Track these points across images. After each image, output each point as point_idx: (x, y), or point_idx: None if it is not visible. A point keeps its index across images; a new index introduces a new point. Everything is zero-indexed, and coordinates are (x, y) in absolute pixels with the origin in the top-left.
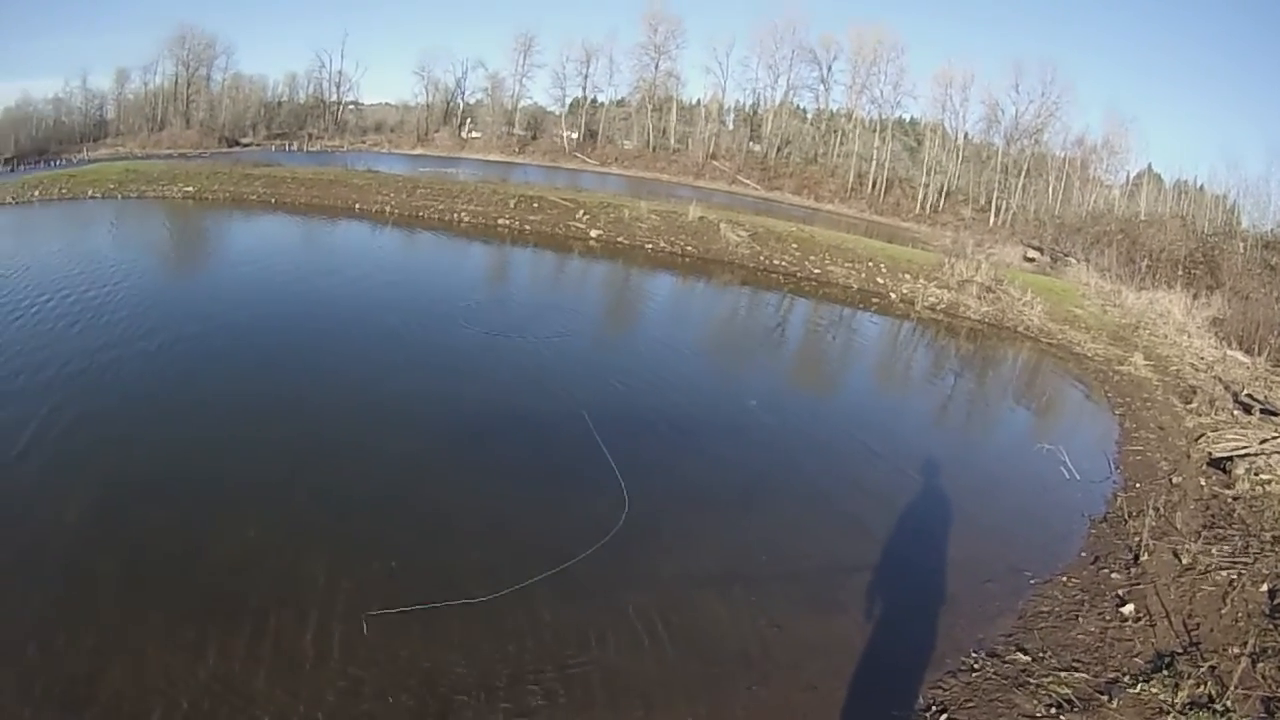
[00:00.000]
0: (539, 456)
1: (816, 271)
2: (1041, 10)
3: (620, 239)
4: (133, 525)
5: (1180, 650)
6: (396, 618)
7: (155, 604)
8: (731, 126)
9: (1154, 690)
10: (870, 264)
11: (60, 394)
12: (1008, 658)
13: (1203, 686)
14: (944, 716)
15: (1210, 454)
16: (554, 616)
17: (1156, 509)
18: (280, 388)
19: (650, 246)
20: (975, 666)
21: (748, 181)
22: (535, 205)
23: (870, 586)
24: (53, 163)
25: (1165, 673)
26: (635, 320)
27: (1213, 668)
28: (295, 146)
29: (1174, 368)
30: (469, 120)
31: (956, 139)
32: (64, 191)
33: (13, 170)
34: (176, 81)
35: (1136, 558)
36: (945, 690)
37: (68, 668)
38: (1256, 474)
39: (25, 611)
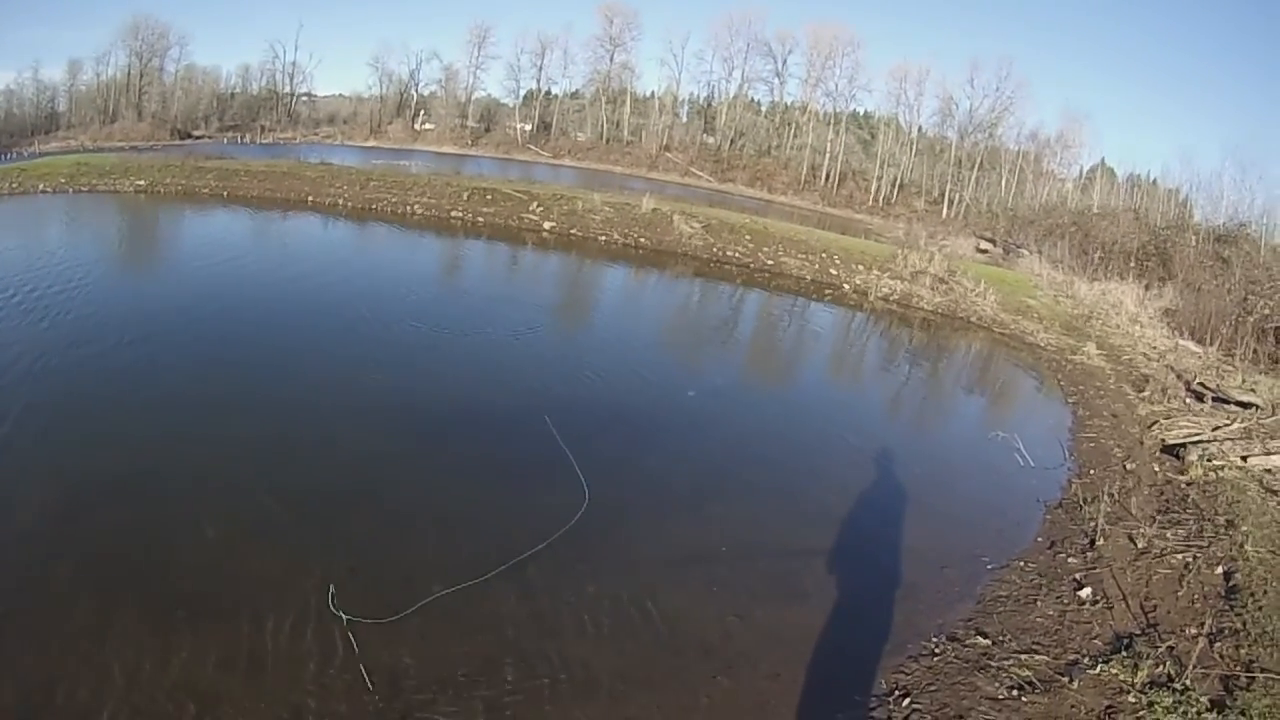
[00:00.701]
0: (497, 452)
1: (770, 263)
2: (998, 7)
3: (574, 231)
4: (89, 526)
5: (1138, 632)
6: (357, 614)
7: (112, 606)
8: (685, 119)
9: (1114, 671)
10: (824, 255)
11: (28, 391)
12: (968, 641)
13: (1161, 666)
14: (906, 700)
15: (1163, 441)
16: (514, 609)
17: (1111, 495)
18: (238, 386)
19: (604, 238)
20: (936, 651)
21: (701, 174)
22: (488, 198)
23: (830, 575)
24: (3, 156)
25: (1124, 654)
26: (590, 314)
27: (1171, 648)
28: (248, 139)
29: (1127, 357)
30: (422, 112)
31: (910, 132)
32: (14, 186)
33: None
34: (130, 73)
35: (1092, 542)
36: (907, 674)
37: (22, 674)
38: (1209, 460)
39: None
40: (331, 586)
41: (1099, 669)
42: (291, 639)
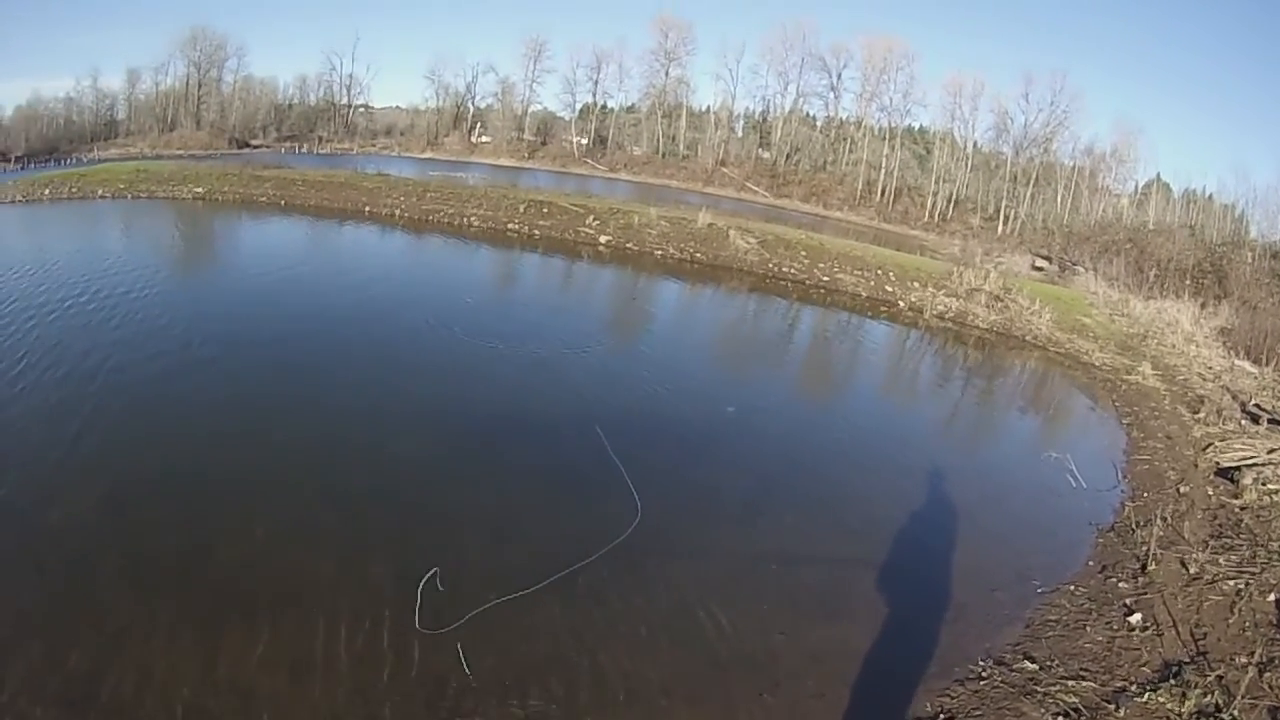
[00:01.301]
0: (550, 463)
1: (825, 279)
2: (1051, 20)
3: (629, 245)
4: (143, 521)
5: (1187, 659)
6: (405, 619)
7: (160, 601)
8: (741, 133)
9: (1161, 699)
10: (879, 272)
11: (96, 390)
12: (1015, 666)
13: (1210, 696)
14: None
15: (1218, 464)
16: (561, 620)
17: (1164, 518)
18: (295, 390)
19: (659, 252)
20: (983, 675)
21: (756, 188)
22: (545, 210)
23: (877, 593)
24: (63, 162)
25: (1172, 682)
26: (645, 328)
27: (1220, 677)
28: (305, 149)
29: (1182, 377)
30: (479, 125)
31: (965, 147)
32: (74, 191)
33: (22, 168)
34: (188, 82)
35: (1144, 567)
36: (953, 698)
37: (71, 665)
38: (1264, 484)
39: (31, 606)
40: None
41: (1146, 697)
42: (336, 641)
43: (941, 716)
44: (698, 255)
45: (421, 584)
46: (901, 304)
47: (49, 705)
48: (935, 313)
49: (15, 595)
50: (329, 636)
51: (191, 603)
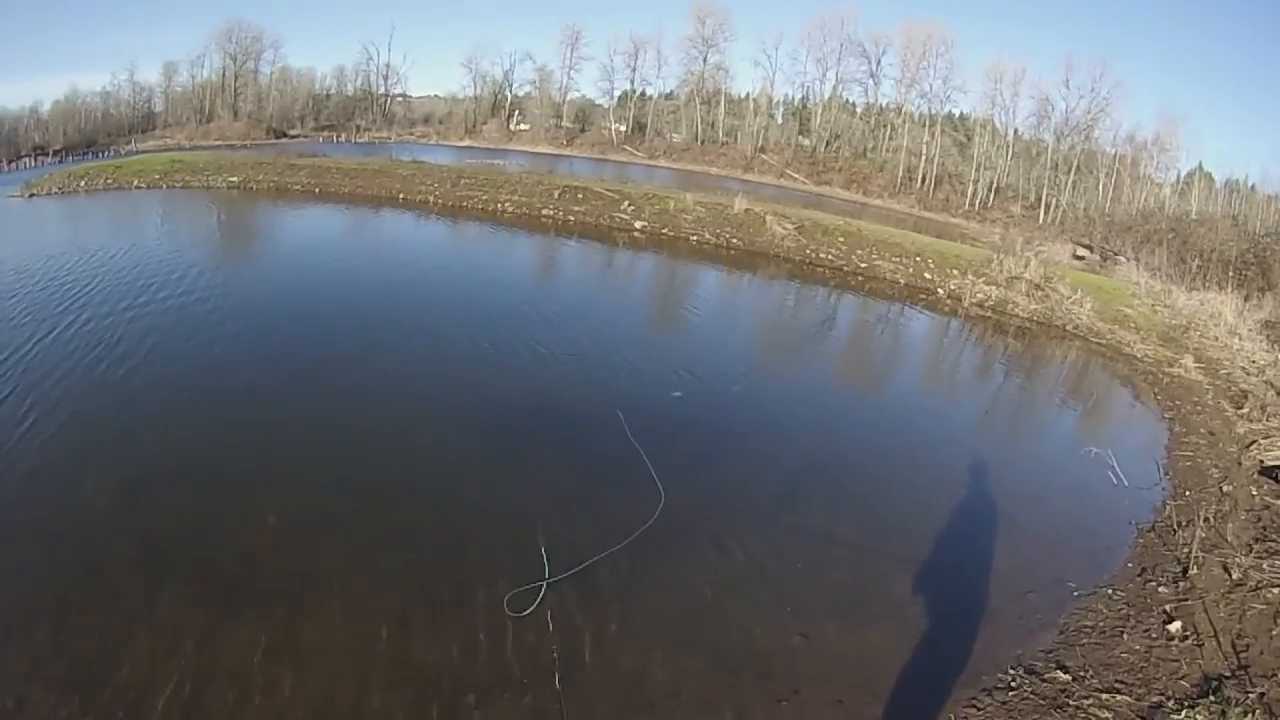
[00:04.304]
0: (574, 453)
1: (863, 266)
2: (1092, 6)
3: (665, 231)
4: (161, 506)
5: (1228, 674)
6: (415, 611)
7: (172, 587)
8: (780, 120)
9: (1199, 717)
10: (918, 259)
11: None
12: (1047, 676)
13: (1251, 715)
14: None
15: (1262, 462)
16: (574, 615)
17: (1206, 519)
18: (326, 380)
19: (695, 238)
20: (1013, 685)
21: (796, 175)
22: (580, 196)
23: (905, 595)
24: (100, 154)
25: (1212, 698)
26: (679, 315)
27: (1262, 694)
28: (343, 138)
29: (1225, 371)
30: (517, 112)
31: (1006, 135)
32: (109, 182)
33: (61, 161)
34: (224, 74)
35: (1185, 571)
36: (979, 710)
37: (82, 647)
38: None
39: (43, 589)
40: (387, 578)
41: (1184, 714)
42: (343, 629)
43: None
44: (734, 241)
45: (430, 574)
46: (940, 292)
47: (51, 688)
48: (974, 301)
49: (29, 576)
50: (333, 626)
51: (202, 588)
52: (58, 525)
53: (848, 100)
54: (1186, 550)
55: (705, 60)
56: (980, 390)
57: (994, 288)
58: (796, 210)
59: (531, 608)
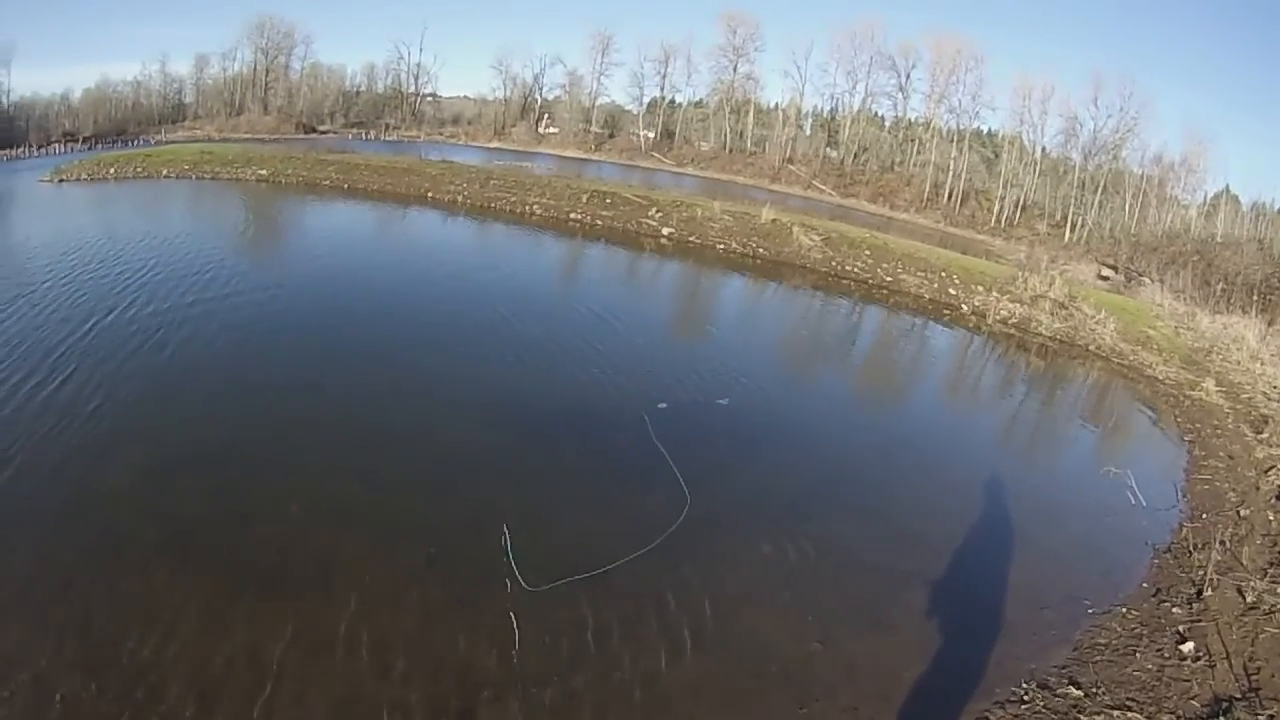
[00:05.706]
0: (597, 455)
1: (889, 279)
2: (1121, 26)
3: (692, 238)
4: (188, 492)
5: (1239, 695)
6: (436, 602)
7: (192, 573)
8: (809, 131)
9: None
10: (943, 274)
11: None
12: (1059, 691)
13: None
14: None
15: (1279, 487)
16: (595, 616)
17: (1222, 542)
18: (340, 374)
19: (722, 247)
20: (1025, 698)
21: (823, 187)
22: (608, 201)
23: (922, 606)
24: (130, 143)
25: (1223, 719)
26: (704, 323)
27: (1272, 717)
28: (372, 135)
29: (1246, 395)
30: (546, 116)
31: (1034, 152)
32: (139, 170)
33: (91, 148)
34: (255, 68)
35: (1199, 593)
36: None
37: (97, 627)
38: None
39: (68, 569)
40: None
41: None
42: (361, 620)
43: None
44: (760, 251)
45: (450, 567)
46: (964, 308)
47: (72, 668)
48: (998, 318)
49: (55, 557)
50: (352, 617)
51: (222, 575)
52: (83, 506)
53: (876, 113)
54: (1202, 572)
55: (735, 69)
56: (1002, 406)
57: (1018, 305)
58: (823, 222)
59: (552, 603)
